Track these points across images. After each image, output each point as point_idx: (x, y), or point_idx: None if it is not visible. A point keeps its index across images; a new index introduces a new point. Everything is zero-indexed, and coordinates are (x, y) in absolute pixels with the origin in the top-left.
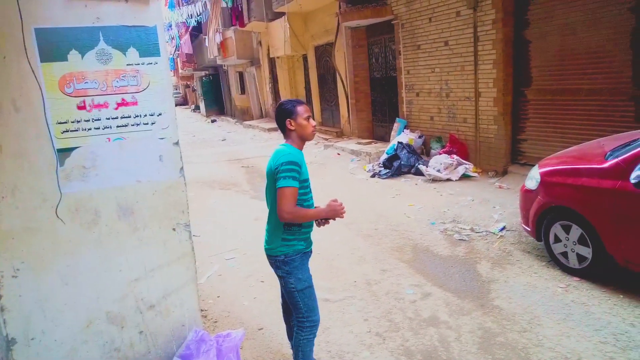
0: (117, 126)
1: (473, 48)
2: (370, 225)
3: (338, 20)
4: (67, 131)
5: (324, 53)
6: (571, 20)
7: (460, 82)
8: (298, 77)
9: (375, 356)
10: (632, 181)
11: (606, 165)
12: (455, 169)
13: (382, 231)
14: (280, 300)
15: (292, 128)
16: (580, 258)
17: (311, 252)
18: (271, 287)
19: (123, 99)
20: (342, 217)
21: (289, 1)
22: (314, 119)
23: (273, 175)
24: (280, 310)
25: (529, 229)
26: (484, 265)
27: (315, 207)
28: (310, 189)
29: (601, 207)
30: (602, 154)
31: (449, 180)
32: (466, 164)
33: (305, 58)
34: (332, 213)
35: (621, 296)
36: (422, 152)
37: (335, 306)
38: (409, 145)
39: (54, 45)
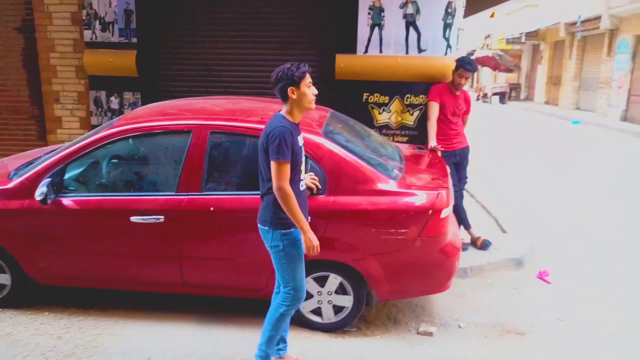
0: None
1: None
2: None
3: None
4: None
5: None
6: None
7: None
8: None
9: None
10: (37, 198)
11: (11, 185)
12: None
13: None
14: None
15: None
16: None
17: None
18: None
19: None
20: None
21: None
22: None
23: None
24: None
25: None
26: None
27: None
28: None
29: (13, 230)
30: (7, 174)
31: None
32: None
33: None
34: None
35: (47, 313)
36: None
37: None
38: None
39: None
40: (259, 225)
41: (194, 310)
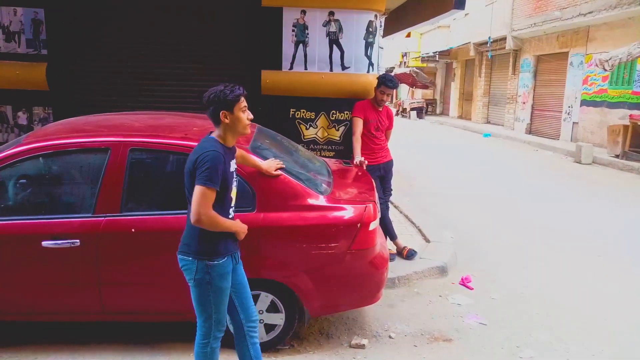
0: None
1: None
2: None
3: None
4: None
5: None
6: None
7: None
8: None
9: None
10: None
11: None
12: None
13: None
14: None
15: None
16: None
17: None
18: None
19: None
20: None
21: None
22: None
23: None
24: None
25: None
26: None
27: None
28: None
29: None
30: None
31: None
32: None
33: None
34: None
35: None
36: None
37: None
38: None
39: None
40: (179, 255)
41: (116, 338)
